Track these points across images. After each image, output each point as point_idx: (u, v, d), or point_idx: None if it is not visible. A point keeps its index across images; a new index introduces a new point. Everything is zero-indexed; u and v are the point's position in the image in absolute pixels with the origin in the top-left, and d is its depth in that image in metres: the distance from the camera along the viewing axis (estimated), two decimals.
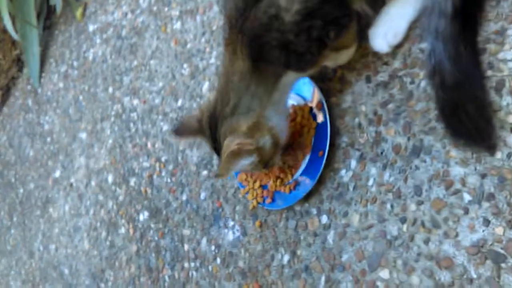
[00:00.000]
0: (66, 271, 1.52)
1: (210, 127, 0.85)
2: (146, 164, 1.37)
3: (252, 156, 0.83)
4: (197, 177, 1.20)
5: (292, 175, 0.94)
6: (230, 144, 0.79)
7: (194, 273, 1.14)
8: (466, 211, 0.73)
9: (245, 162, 0.84)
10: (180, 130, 0.90)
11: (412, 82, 0.83)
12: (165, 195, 1.28)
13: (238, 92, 0.81)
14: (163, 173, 1.30)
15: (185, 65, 1.32)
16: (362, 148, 0.88)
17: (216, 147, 0.86)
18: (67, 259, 1.53)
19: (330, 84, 0.94)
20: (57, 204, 1.65)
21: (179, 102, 1.31)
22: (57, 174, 1.69)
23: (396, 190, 0.81)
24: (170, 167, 1.29)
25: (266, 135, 0.83)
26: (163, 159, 1.31)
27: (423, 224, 0.77)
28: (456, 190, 0.74)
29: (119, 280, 1.32)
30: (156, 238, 1.26)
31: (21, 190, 1.86)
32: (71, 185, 1.61)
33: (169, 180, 1.28)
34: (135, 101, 1.46)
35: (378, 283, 0.81)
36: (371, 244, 0.83)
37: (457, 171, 0.75)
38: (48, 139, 1.80)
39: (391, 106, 0.85)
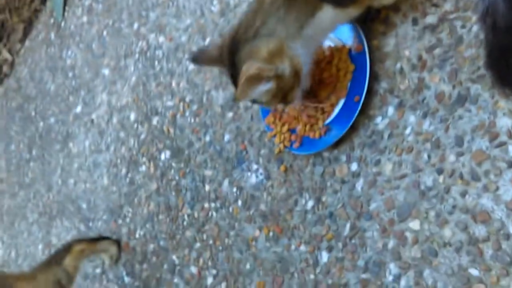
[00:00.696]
0: (84, 205, 1.53)
1: (230, 52, 0.81)
2: (169, 104, 1.34)
3: (270, 83, 0.79)
4: (221, 118, 1.17)
5: (324, 120, 0.91)
6: (248, 68, 0.75)
7: (214, 213, 1.13)
8: (510, 165, 0.69)
9: (263, 88, 0.80)
10: (199, 58, 0.87)
11: (463, 27, 0.78)
12: (188, 135, 1.26)
13: (266, 14, 0.77)
14: (187, 113, 1.28)
15: (214, 2, 1.27)
16: (401, 95, 0.83)
17: (234, 74, 0.82)
18: (85, 194, 1.54)
19: (372, 26, 0.89)
20: (77, 139, 1.64)
21: (207, 41, 1.26)
22: (78, 109, 1.68)
23: (435, 140, 0.78)
24: (194, 107, 1.26)
25: (287, 63, 0.79)
26: (187, 99, 1.28)
27: (461, 176, 0.74)
28: (501, 143, 0.70)
29: (138, 216, 1.33)
30: (177, 178, 1.25)
31: (41, 124, 1.86)
32: (92, 121, 1.59)
33: (192, 121, 1.25)
34: (161, 38, 1.41)
35: (407, 234, 0.78)
36: (403, 194, 0.80)
37: (504, 122, 0.71)
38: (70, 74, 1.77)
39: (437, 51, 0.80)
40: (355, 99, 0.86)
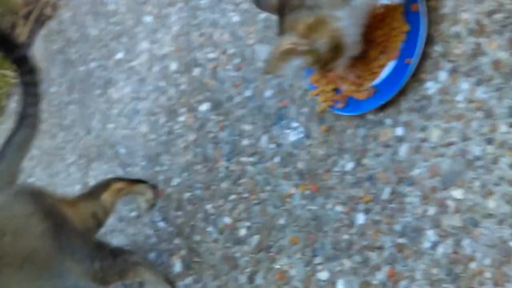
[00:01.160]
0: (122, 151, 1.57)
1: (278, 14, 0.80)
2: (211, 55, 1.33)
3: (303, 58, 0.79)
4: (263, 74, 1.16)
5: (372, 81, 0.89)
6: (282, 43, 0.75)
7: (250, 167, 1.14)
8: None
9: (295, 63, 0.79)
10: (262, 2, 0.86)
11: None
12: (229, 88, 1.25)
13: None
14: (228, 67, 1.27)
15: None
16: (456, 60, 0.80)
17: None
18: (124, 140, 1.57)
19: None
20: (117, 85, 1.66)
21: None
22: (120, 56, 1.69)
23: (487, 108, 0.75)
24: (236, 61, 1.25)
25: (326, 37, 0.77)
26: (229, 51, 1.27)
27: (511, 148, 0.72)
28: None
29: (175, 165, 1.36)
30: (215, 130, 1.26)
31: (82, 68, 1.89)
32: (133, 68, 1.61)
33: (233, 74, 1.25)
34: None
35: (449, 202, 0.78)
36: (448, 162, 0.79)
37: None
38: (112, 20, 1.77)
39: (498, 16, 0.77)
40: (406, 61, 0.84)
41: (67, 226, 1.11)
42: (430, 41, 0.84)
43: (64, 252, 1.06)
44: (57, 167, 1.91)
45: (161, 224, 1.36)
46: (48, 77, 2.09)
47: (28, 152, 1.17)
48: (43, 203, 1.10)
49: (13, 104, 2.22)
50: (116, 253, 1.18)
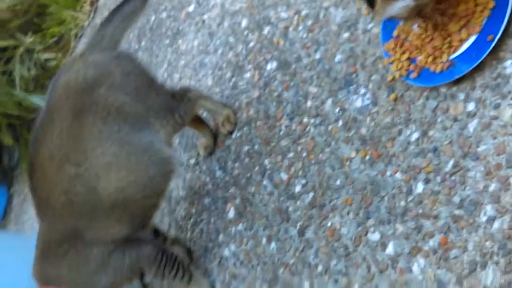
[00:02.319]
0: None
1: None
2: (283, 15, 1.35)
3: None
4: (336, 38, 1.18)
5: (449, 54, 0.90)
6: None
7: (312, 128, 1.18)
8: None
9: (401, 4, 0.80)
10: None
11: None
12: (298, 50, 1.28)
13: None
14: (300, 28, 1.29)
15: None
16: None
17: None
18: None
19: None
20: (186, 37, 1.72)
21: None
22: (191, 8, 1.73)
23: None
24: (309, 22, 1.27)
25: None
26: (303, 12, 1.29)
27: None
28: None
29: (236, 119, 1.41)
30: (280, 89, 1.30)
31: (153, 18, 1.95)
32: (203, 21, 1.65)
33: (304, 36, 1.27)
34: None
35: (511, 180, 0.80)
36: None
37: None
38: None
39: None
40: (488, 38, 0.84)
41: (155, 86, 1.23)
42: None
43: (150, 109, 1.17)
44: None
45: (218, 173, 1.44)
46: None
47: (134, 24, 1.29)
48: (139, 66, 1.23)
49: (82, 46, 2.32)
50: (181, 94, 1.29)
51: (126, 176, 1.09)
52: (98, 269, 1.09)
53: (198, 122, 1.42)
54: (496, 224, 0.81)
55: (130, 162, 1.10)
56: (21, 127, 2.57)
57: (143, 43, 1.97)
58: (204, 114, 1.46)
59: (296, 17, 1.31)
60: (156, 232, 1.38)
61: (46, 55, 2.43)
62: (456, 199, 0.86)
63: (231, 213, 1.35)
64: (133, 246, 1.15)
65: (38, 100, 2.30)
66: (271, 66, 1.35)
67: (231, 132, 1.41)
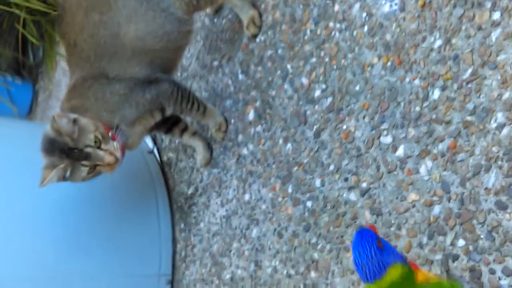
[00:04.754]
0: None
1: None
2: None
3: None
4: None
5: None
6: None
7: (337, 33, 1.20)
8: None
9: None
10: None
11: None
12: None
13: None
14: None
15: None
16: None
17: None
18: None
19: None
20: None
21: None
22: None
23: None
24: None
25: None
26: None
27: None
28: None
29: (262, 22, 1.42)
30: None
31: None
32: None
33: None
34: None
35: None
36: None
37: None
38: None
39: None
40: None
41: None
42: None
43: None
44: None
45: (241, 76, 1.47)
46: None
47: None
48: None
49: None
50: None
51: (145, 27, 1.21)
52: (121, 100, 1.22)
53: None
54: (504, 131, 0.85)
55: (148, 16, 1.21)
56: (46, 23, 2.59)
57: None
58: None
59: None
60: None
61: None
62: (470, 105, 0.90)
63: (251, 115, 1.41)
64: (152, 83, 1.26)
65: None
66: None
67: (255, 36, 1.43)
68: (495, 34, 0.88)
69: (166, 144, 1.75)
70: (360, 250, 0.70)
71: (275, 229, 1.27)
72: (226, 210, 1.43)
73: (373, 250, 0.70)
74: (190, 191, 1.60)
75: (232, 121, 1.47)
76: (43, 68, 2.88)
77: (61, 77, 2.56)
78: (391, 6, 1.07)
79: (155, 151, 1.78)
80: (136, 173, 1.63)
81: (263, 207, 1.31)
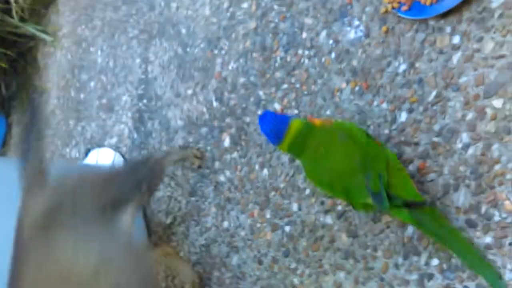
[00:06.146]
0: (184, 30, 1.65)
1: None
2: None
3: None
4: None
5: None
6: None
7: (306, 60, 1.22)
8: None
9: None
10: None
11: None
12: None
13: None
14: None
15: None
16: None
17: None
18: (186, 20, 1.65)
19: None
20: None
21: None
22: None
23: None
24: None
25: None
26: None
27: None
28: None
29: (233, 51, 1.44)
30: (276, 20, 1.32)
31: None
32: None
33: None
34: None
35: (488, 110, 0.85)
36: (495, 73, 0.85)
37: None
38: None
39: None
40: None
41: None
42: None
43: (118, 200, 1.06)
44: (119, 40, 2.02)
45: (215, 103, 1.49)
46: None
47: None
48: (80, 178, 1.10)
49: None
50: (145, 162, 1.23)
51: None
52: None
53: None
54: (470, 151, 0.88)
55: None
56: (18, 56, 2.58)
57: None
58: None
59: None
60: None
61: None
62: (436, 127, 0.92)
63: (227, 142, 1.42)
64: None
65: (33, 29, 2.30)
66: None
67: (200, 166, 1.46)
68: (456, 57, 0.91)
69: None
70: (264, 122, 0.90)
71: (255, 256, 1.27)
72: (205, 239, 1.43)
73: (273, 117, 0.90)
74: (168, 221, 1.59)
75: (209, 148, 1.48)
76: (17, 101, 2.85)
77: None
78: (356, 32, 1.11)
79: None
80: None
81: (242, 233, 1.32)
